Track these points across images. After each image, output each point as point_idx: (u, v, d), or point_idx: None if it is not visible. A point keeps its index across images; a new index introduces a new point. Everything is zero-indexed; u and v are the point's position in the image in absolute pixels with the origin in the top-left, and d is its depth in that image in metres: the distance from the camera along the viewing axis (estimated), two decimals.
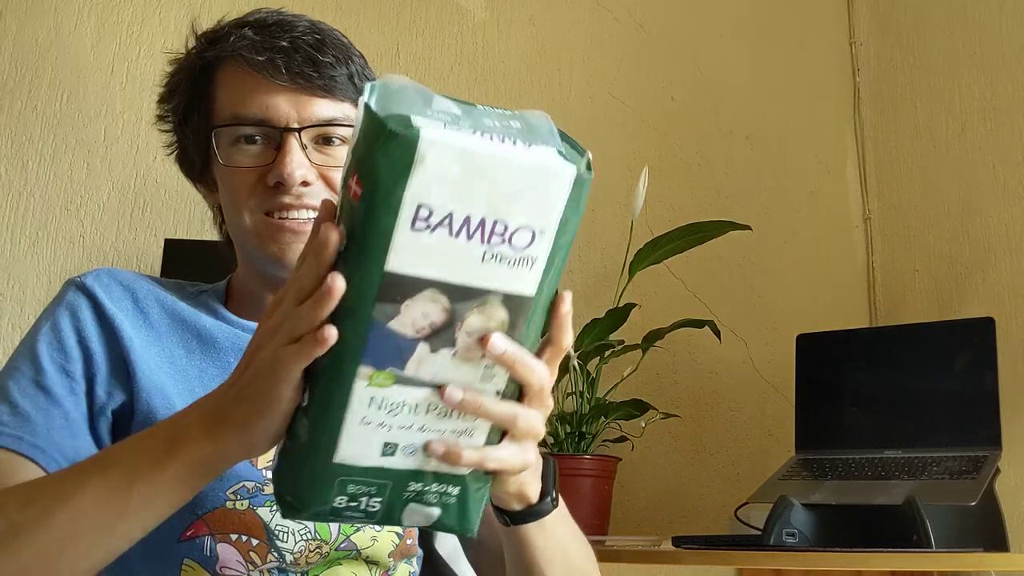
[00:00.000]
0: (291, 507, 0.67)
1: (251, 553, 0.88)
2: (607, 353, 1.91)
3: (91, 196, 2.07)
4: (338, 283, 0.61)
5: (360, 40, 1.04)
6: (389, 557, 0.96)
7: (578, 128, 2.34)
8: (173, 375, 0.92)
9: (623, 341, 1.93)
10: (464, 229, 0.59)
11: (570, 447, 1.90)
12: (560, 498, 0.85)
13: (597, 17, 2.43)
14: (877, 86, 2.37)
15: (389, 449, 0.64)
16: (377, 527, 0.94)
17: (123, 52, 2.14)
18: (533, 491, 0.81)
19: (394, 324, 0.60)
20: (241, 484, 0.89)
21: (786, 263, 2.30)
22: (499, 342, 0.63)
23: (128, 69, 2.13)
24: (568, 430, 1.91)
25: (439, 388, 0.63)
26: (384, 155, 0.57)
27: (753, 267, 2.27)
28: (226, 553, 0.87)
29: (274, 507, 0.89)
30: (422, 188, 0.57)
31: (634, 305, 1.91)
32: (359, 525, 0.69)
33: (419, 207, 0.58)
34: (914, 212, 2.23)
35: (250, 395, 0.67)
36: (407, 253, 0.58)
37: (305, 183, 0.92)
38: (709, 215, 1.96)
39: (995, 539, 1.56)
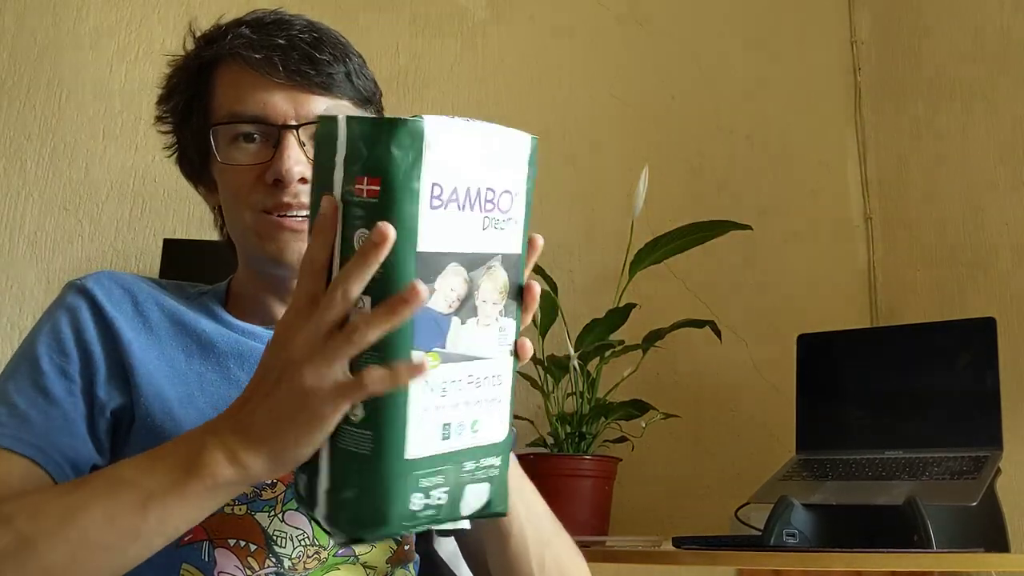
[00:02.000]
0: (370, 527, 0.66)
1: (249, 559, 0.88)
2: (607, 353, 1.90)
3: (90, 196, 2.06)
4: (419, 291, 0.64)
5: (360, 39, 1.04)
6: (387, 563, 0.96)
7: (578, 128, 2.33)
8: (172, 379, 0.92)
9: (623, 341, 1.92)
10: (467, 201, 0.66)
11: (570, 447, 1.90)
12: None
13: (597, 17, 2.42)
14: (878, 86, 2.37)
15: (446, 432, 0.66)
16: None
17: (122, 51, 2.13)
18: None
19: (432, 303, 0.64)
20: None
21: (786, 263, 2.30)
22: (534, 287, 0.71)
23: (127, 68, 2.13)
24: (568, 430, 1.91)
25: (472, 360, 0.67)
26: (398, 146, 0.63)
27: (753, 267, 2.27)
28: (224, 558, 0.87)
29: (272, 512, 0.89)
30: (433, 168, 0.64)
31: (634, 305, 1.90)
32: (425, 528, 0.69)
33: (433, 186, 0.64)
34: (915, 212, 2.23)
35: (293, 423, 0.66)
36: (431, 232, 0.64)
37: (303, 180, 0.92)
38: (709, 215, 1.95)
39: (996, 539, 1.56)
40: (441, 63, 2.33)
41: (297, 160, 0.92)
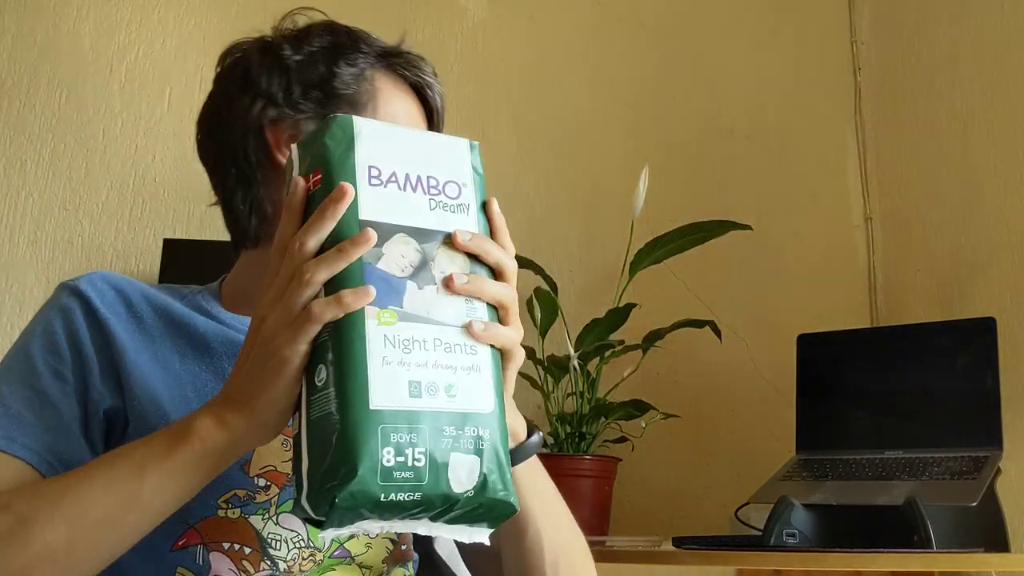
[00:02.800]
0: (342, 482, 0.65)
1: (244, 562, 0.88)
2: (607, 353, 1.90)
3: (90, 196, 2.07)
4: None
5: None
6: (383, 563, 0.95)
7: (578, 128, 2.33)
8: (165, 379, 0.92)
9: (623, 341, 1.92)
10: (407, 184, 0.73)
11: (570, 447, 1.90)
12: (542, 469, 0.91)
13: (597, 16, 2.43)
14: (878, 85, 2.36)
15: (414, 389, 0.68)
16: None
17: (122, 51, 2.13)
18: (520, 425, 0.86)
19: (382, 265, 0.69)
20: (232, 493, 0.89)
21: (787, 263, 2.30)
22: (460, 234, 0.72)
23: (127, 68, 2.13)
24: (568, 430, 1.91)
25: (438, 325, 0.70)
26: (331, 137, 0.72)
27: (753, 267, 2.27)
28: (218, 562, 0.87)
29: (266, 515, 0.89)
30: (367, 152, 0.72)
31: (634, 305, 1.90)
32: (409, 513, 0.69)
33: (370, 167, 0.72)
34: (915, 212, 2.22)
35: (262, 372, 0.70)
36: (372, 204, 0.71)
37: None
38: (709, 215, 1.95)
39: (996, 539, 1.56)
40: (441, 63, 2.32)
41: None
